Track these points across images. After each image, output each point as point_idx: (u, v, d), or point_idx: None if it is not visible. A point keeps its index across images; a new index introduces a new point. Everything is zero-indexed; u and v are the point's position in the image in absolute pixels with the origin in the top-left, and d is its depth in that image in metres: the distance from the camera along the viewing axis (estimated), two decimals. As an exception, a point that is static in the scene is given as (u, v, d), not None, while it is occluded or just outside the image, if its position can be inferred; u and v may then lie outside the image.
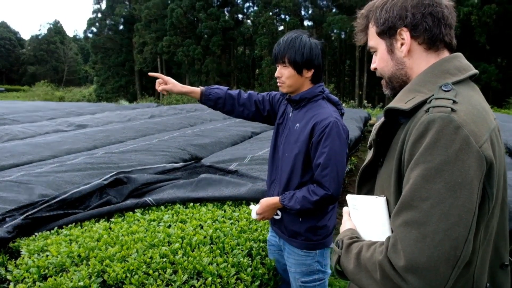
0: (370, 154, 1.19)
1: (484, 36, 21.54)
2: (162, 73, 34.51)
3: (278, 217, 2.05)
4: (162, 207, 2.91)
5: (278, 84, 2.01)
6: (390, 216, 1.06)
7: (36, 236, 2.54)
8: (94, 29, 38.04)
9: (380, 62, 1.20)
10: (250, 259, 2.19)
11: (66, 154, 5.29)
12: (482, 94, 1.10)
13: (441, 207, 0.87)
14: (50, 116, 10.54)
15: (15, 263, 2.20)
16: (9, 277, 2.03)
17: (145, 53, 32.75)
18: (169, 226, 2.53)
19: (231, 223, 2.58)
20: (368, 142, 1.22)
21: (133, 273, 1.93)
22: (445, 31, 1.10)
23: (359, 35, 1.26)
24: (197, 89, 2.17)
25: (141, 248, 2.15)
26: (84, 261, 2.09)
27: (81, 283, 1.84)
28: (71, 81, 56.50)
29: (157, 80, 2.15)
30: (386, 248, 0.94)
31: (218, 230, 2.41)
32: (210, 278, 1.91)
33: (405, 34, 1.11)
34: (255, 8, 30.92)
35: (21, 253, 2.32)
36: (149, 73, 2.24)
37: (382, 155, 1.14)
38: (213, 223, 2.55)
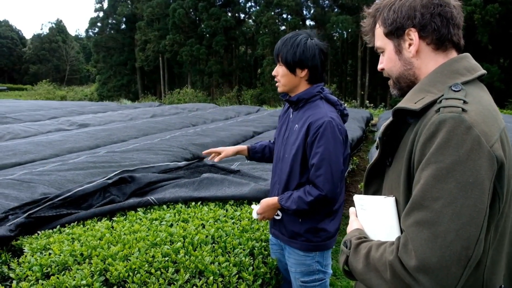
0: (377, 153, 1.18)
1: (487, 35, 21.49)
2: (164, 72, 34.61)
3: (278, 217, 2.06)
4: (164, 206, 2.91)
5: (276, 83, 2.04)
6: (399, 216, 1.05)
7: (38, 234, 2.55)
8: (96, 28, 38.15)
9: (388, 63, 1.19)
10: (252, 258, 2.19)
11: (68, 153, 5.30)
12: None
13: (453, 207, 0.87)
14: (52, 115, 10.55)
15: (17, 261, 2.21)
16: (11, 275, 2.04)
17: (147, 51, 32.77)
18: (171, 225, 2.53)
19: (233, 223, 2.58)
20: (376, 143, 1.22)
21: (135, 272, 1.93)
22: (453, 31, 1.10)
23: (368, 36, 1.25)
24: (245, 146, 2.34)
25: (143, 247, 2.15)
26: (87, 260, 2.09)
27: (84, 282, 1.84)
28: (73, 80, 56.64)
29: (212, 155, 2.32)
30: (396, 248, 0.94)
31: (220, 230, 2.42)
32: (212, 277, 1.91)
33: (414, 35, 1.10)
34: (257, 7, 30.90)
35: (23, 251, 2.33)
36: (203, 152, 2.40)
37: (390, 155, 1.14)
38: (215, 223, 2.55)
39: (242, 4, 33.47)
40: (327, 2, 31.25)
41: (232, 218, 2.67)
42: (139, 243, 2.19)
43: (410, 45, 1.12)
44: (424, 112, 1.01)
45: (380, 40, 1.20)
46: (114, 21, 37.74)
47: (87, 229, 2.56)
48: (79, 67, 59.72)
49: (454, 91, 0.99)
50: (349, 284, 3.47)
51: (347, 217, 1.30)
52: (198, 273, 1.98)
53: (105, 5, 37.82)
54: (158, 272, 1.93)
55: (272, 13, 28.62)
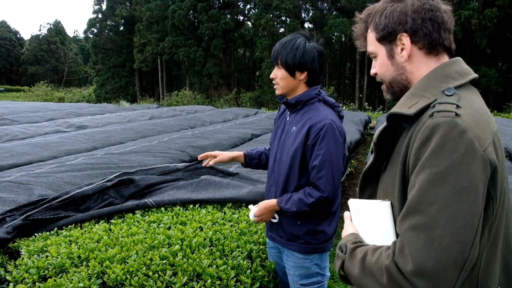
0: (371, 158, 1.19)
1: (485, 40, 21.57)
2: (162, 74, 34.61)
3: (275, 220, 2.05)
4: (162, 209, 2.90)
5: (274, 85, 2.04)
6: (394, 220, 1.06)
7: (36, 236, 2.54)
8: (95, 30, 38.09)
9: (381, 67, 1.21)
10: (250, 261, 2.19)
11: (65, 155, 5.28)
12: (482, 98, 1.11)
13: (448, 211, 0.88)
14: (50, 116, 10.52)
15: (14, 263, 2.20)
16: (8, 277, 2.03)
17: (145, 52, 32.77)
18: (169, 228, 2.53)
19: (231, 225, 2.58)
20: (370, 147, 1.23)
21: (133, 274, 1.92)
22: (444, 36, 1.11)
23: (358, 39, 1.27)
24: (241, 153, 2.32)
25: (141, 249, 2.14)
26: (84, 262, 2.09)
27: (81, 284, 1.84)
28: (71, 81, 56.53)
29: (208, 159, 2.31)
30: (393, 252, 0.94)
31: (218, 232, 2.41)
32: (209, 280, 1.91)
33: (405, 40, 1.12)
34: (256, 10, 30.95)
35: (20, 253, 2.32)
36: (199, 156, 2.36)
37: (384, 160, 1.14)
38: (213, 225, 2.55)
39: (241, 7, 33.53)
40: (325, 5, 31.31)
41: (230, 221, 2.67)
42: (137, 246, 2.18)
43: (402, 50, 1.14)
44: (418, 116, 1.02)
45: (372, 45, 1.21)
46: (112, 23, 37.69)
47: (85, 231, 2.56)
48: (77, 69, 59.60)
49: (447, 95, 1.00)
50: (346, 287, 3.47)
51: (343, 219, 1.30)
52: (196, 276, 1.97)
53: (104, 6, 37.80)
54: (156, 275, 1.92)
55: (271, 15, 28.67)
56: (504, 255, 1.06)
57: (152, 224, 2.60)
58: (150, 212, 2.86)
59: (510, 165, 5.04)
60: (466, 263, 0.87)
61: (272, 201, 1.99)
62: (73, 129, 8.19)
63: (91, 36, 38.48)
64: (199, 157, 2.35)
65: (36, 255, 2.23)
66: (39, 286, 1.89)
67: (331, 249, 2.06)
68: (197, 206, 2.95)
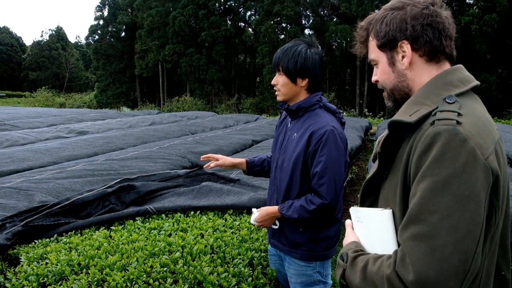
0: (374, 166, 1.18)
1: (485, 45, 21.64)
2: (163, 80, 34.71)
3: (276, 227, 2.04)
4: (163, 216, 2.89)
5: (275, 92, 2.04)
6: (396, 229, 1.05)
7: (35, 243, 2.52)
8: (96, 36, 38.28)
9: (382, 75, 1.20)
10: (251, 269, 2.17)
11: (66, 161, 5.28)
12: (483, 104, 1.11)
13: (450, 220, 0.87)
14: (50, 122, 10.54)
15: (14, 270, 2.18)
16: (7, 285, 2.01)
17: (147, 59, 32.90)
18: (170, 235, 2.51)
19: (232, 232, 2.56)
20: (372, 155, 1.22)
21: (133, 282, 1.91)
22: (445, 43, 1.11)
23: (359, 47, 1.27)
24: (243, 160, 2.30)
25: (142, 257, 2.13)
26: (84, 270, 2.07)
27: (81, 292, 1.82)
28: (72, 87, 56.70)
29: (211, 161, 2.28)
30: (394, 261, 0.93)
31: (219, 239, 2.40)
32: (211, 288, 1.89)
33: (406, 47, 1.12)
34: (257, 16, 31.10)
35: (20, 260, 2.31)
36: (202, 157, 2.34)
37: (386, 168, 1.13)
38: (214, 232, 2.53)
39: (242, 13, 33.69)
40: (326, 11, 31.47)
41: (231, 228, 2.65)
42: (137, 253, 2.17)
43: (403, 57, 1.13)
44: (419, 124, 1.01)
45: (373, 52, 1.21)
46: (114, 29, 37.90)
47: (85, 238, 2.54)
48: (78, 74, 59.78)
49: (449, 103, 1.00)
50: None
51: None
52: (196, 284, 1.96)
53: (106, 13, 38.06)
54: (156, 283, 1.91)
55: (272, 22, 28.82)
56: (499, 264, 1.06)
57: (152, 231, 2.58)
58: (150, 219, 2.85)
59: (511, 172, 5.01)
60: (468, 273, 0.86)
61: (274, 208, 1.98)
62: (73, 135, 8.20)
63: (93, 42, 38.67)
64: (202, 158, 2.33)
65: (35, 262, 2.22)
66: (39, 294, 1.87)
67: (333, 256, 2.05)
68: (198, 212, 2.94)
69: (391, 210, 1.07)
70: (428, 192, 0.90)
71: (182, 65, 30.15)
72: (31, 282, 1.98)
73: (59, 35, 58.29)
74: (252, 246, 2.38)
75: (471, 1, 24.32)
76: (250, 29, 33.61)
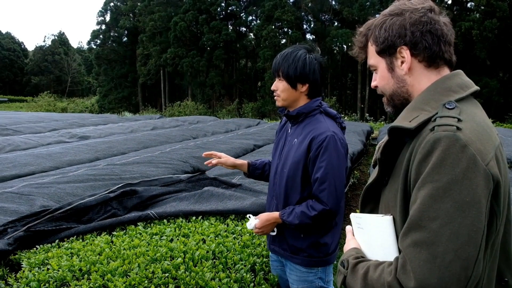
0: (375, 172, 1.18)
1: (484, 51, 21.65)
2: (164, 85, 34.79)
3: (273, 234, 2.03)
4: (165, 221, 2.88)
5: (275, 97, 2.03)
6: (396, 235, 1.04)
7: (37, 248, 2.52)
8: (98, 41, 38.48)
9: (381, 80, 1.21)
10: (253, 274, 2.16)
11: (68, 166, 5.29)
12: (484, 108, 1.11)
13: (450, 226, 0.87)
14: (52, 127, 10.56)
15: (15, 276, 2.18)
16: (9, 291, 2.01)
17: (149, 65, 33.01)
18: (172, 240, 2.51)
19: (234, 238, 2.56)
20: (372, 161, 1.22)
21: (135, 288, 1.90)
22: (444, 48, 1.11)
23: (358, 52, 1.27)
24: (245, 162, 2.29)
25: (143, 262, 2.12)
26: (86, 275, 2.07)
27: (82, 298, 1.82)
28: (74, 92, 56.91)
29: (213, 158, 2.26)
30: (395, 268, 0.93)
31: (220, 245, 2.39)
32: (212, 294, 1.89)
33: (405, 52, 1.12)
34: (258, 21, 31.20)
35: (21, 266, 2.30)
36: (204, 154, 2.32)
37: (386, 174, 1.13)
38: (216, 238, 2.53)
39: (243, 18, 33.80)
40: (327, 16, 31.56)
41: (233, 233, 2.65)
42: (139, 259, 2.17)
43: (402, 62, 1.13)
44: (419, 130, 1.01)
45: (373, 58, 1.21)
46: (116, 34, 38.08)
47: (86, 243, 2.54)
48: (80, 79, 60.02)
49: (448, 109, 1.00)
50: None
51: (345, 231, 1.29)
52: (198, 290, 1.95)
53: (108, 18, 38.25)
54: (158, 289, 1.90)
55: (273, 26, 28.89)
56: (501, 269, 1.05)
57: (154, 236, 2.58)
58: (152, 224, 2.85)
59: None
60: (470, 280, 0.85)
61: (275, 214, 1.98)
62: (75, 140, 8.21)
63: (95, 47, 38.85)
64: (204, 154, 2.31)
65: (37, 268, 2.21)
66: (40, 300, 1.87)
67: (335, 262, 2.04)
68: (199, 218, 2.93)
69: (391, 216, 1.07)
70: (429, 199, 0.90)
71: (183, 65, 30.22)
72: (33, 288, 1.98)
73: (61, 40, 58.59)
74: (254, 251, 2.38)
75: (472, 7, 24.36)
76: (251, 34, 33.71)
